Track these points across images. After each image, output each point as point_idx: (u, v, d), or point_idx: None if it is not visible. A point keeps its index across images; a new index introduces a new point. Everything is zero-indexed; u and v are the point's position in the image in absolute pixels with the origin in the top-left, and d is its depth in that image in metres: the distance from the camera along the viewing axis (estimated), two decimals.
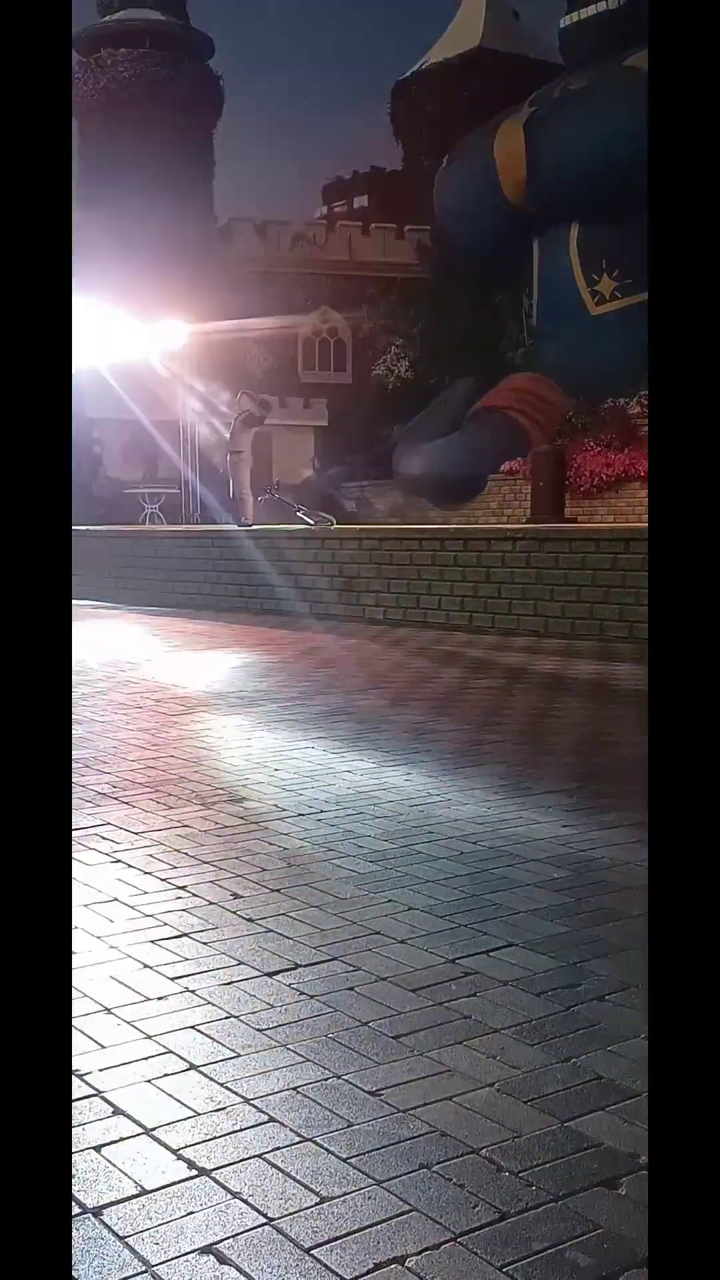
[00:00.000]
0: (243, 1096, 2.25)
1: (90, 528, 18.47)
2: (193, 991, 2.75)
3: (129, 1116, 2.17)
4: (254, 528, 15.91)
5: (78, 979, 2.82)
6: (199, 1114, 2.19)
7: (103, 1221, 1.85)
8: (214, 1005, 2.67)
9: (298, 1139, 2.09)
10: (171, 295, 24.22)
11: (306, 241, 33.17)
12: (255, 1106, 2.21)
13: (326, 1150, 2.05)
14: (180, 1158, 2.03)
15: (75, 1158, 2.03)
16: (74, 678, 8.23)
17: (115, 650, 10.13)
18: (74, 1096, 2.24)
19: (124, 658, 9.56)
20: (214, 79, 37.33)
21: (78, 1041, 2.48)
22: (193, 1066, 2.37)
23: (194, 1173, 1.99)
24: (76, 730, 6.09)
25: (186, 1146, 2.07)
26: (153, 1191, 1.93)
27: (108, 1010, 2.64)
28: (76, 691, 7.55)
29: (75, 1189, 1.94)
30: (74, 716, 6.50)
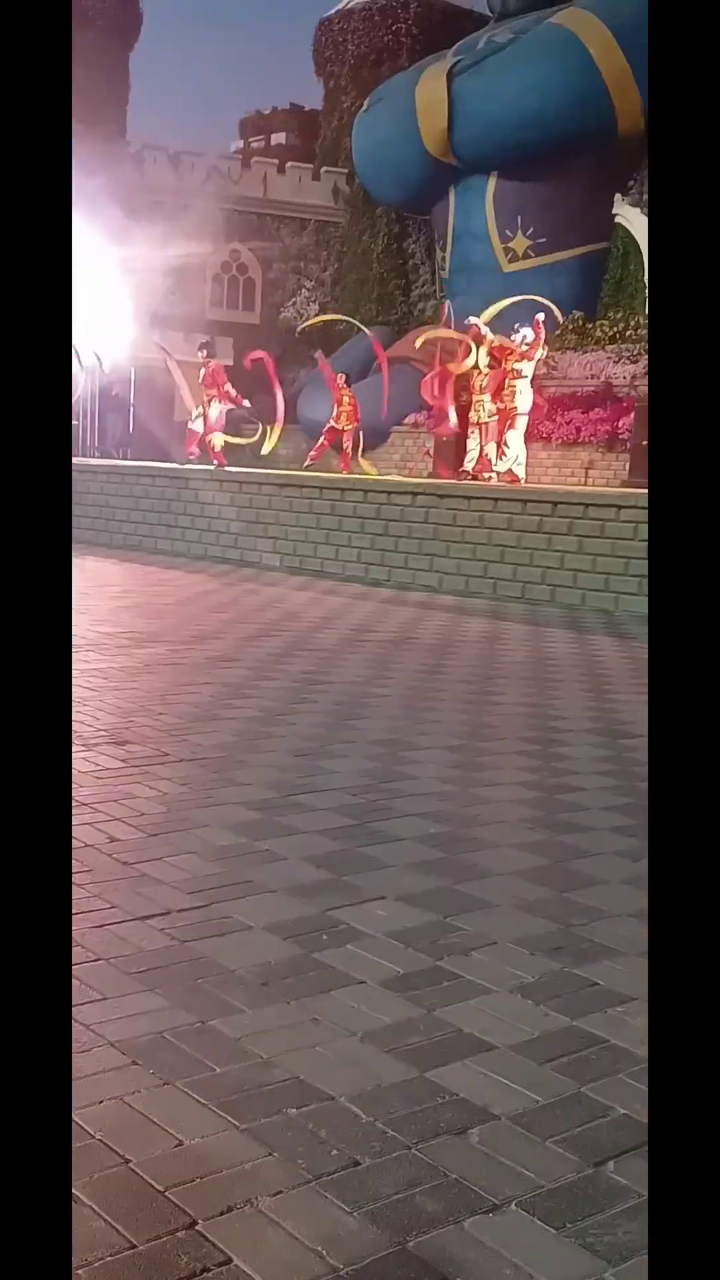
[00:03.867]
0: (108, 1040, 2.26)
1: None
2: None
3: None
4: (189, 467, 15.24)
5: None
6: None
7: None
8: (84, 948, 2.67)
9: (160, 1083, 2.12)
10: (78, 217, 23.56)
11: (220, 175, 32.47)
12: (119, 1050, 2.22)
13: (188, 1095, 2.08)
14: None
15: None
16: None
17: None
18: None
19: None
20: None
21: None
22: None
23: None
24: None
25: None
26: None
27: None
28: None
29: None
30: None
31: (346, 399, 16.56)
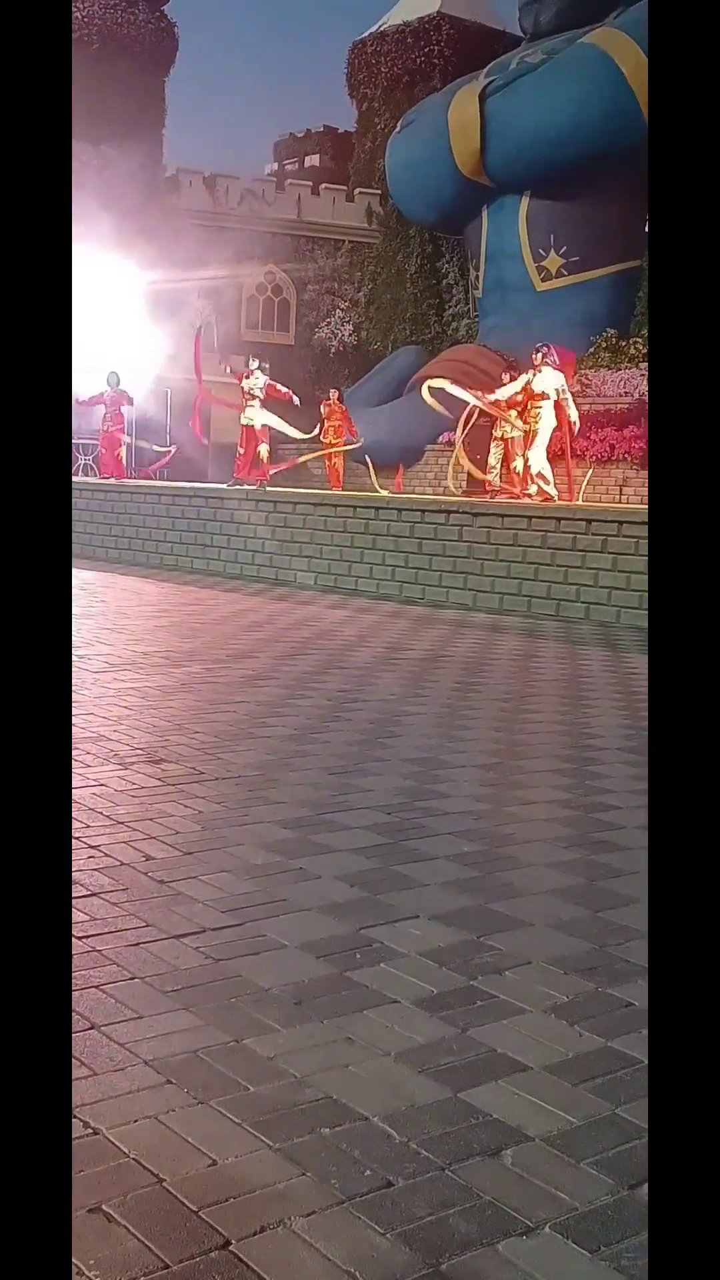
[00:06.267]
0: (142, 1058, 2.27)
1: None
2: (99, 951, 2.76)
3: None
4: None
5: None
6: (97, 1074, 2.20)
7: None
8: (119, 966, 2.68)
9: (194, 1102, 2.12)
10: (114, 240, 23.79)
11: (255, 197, 32.72)
12: (154, 1068, 2.23)
13: (222, 1114, 2.09)
14: (76, 1117, 2.05)
15: None
16: None
17: None
18: None
19: None
20: (169, 26, 36.57)
21: None
22: (94, 1026, 2.39)
23: (89, 1131, 2.01)
24: None
25: (83, 1105, 2.09)
26: None
27: None
28: None
29: None
30: None
31: (324, 412, 16.98)
